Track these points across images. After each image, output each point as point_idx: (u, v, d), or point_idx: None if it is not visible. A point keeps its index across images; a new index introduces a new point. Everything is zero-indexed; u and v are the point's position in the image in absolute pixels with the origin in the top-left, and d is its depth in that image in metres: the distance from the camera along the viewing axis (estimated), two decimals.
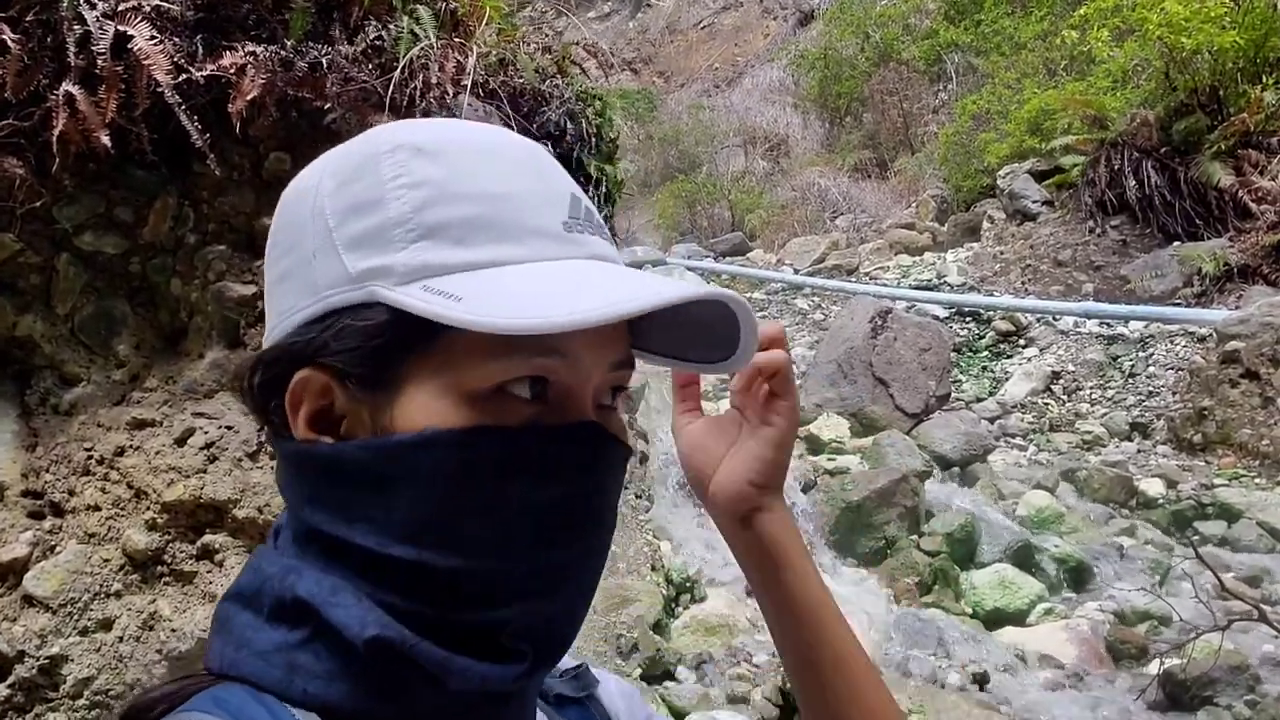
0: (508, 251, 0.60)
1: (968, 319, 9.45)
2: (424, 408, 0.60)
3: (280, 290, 0.66)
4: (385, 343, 0.61)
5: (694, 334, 0.70)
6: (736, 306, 0.65)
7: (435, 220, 0.61)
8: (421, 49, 3.00)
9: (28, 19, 2.56)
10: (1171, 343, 8.05)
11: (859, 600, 4.63)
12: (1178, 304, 8.30)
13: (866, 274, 11.48)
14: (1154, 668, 4.23)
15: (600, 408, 0.66)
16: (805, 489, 5.45)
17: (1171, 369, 7.76)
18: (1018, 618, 4.88)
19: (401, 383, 0.61)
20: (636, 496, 4.75)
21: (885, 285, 10.37)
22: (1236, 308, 7.53)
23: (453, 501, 0.59)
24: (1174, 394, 7.46)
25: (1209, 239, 8.71)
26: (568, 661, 0.81)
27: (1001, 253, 10.76)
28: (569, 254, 0.62)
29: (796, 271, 11.92)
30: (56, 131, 2.54)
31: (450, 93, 3.06)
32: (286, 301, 0.65)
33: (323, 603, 0.59)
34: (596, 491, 0.65)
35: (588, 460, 0.64)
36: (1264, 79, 8.81)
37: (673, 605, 4.30)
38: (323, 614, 0.59)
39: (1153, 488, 6.29)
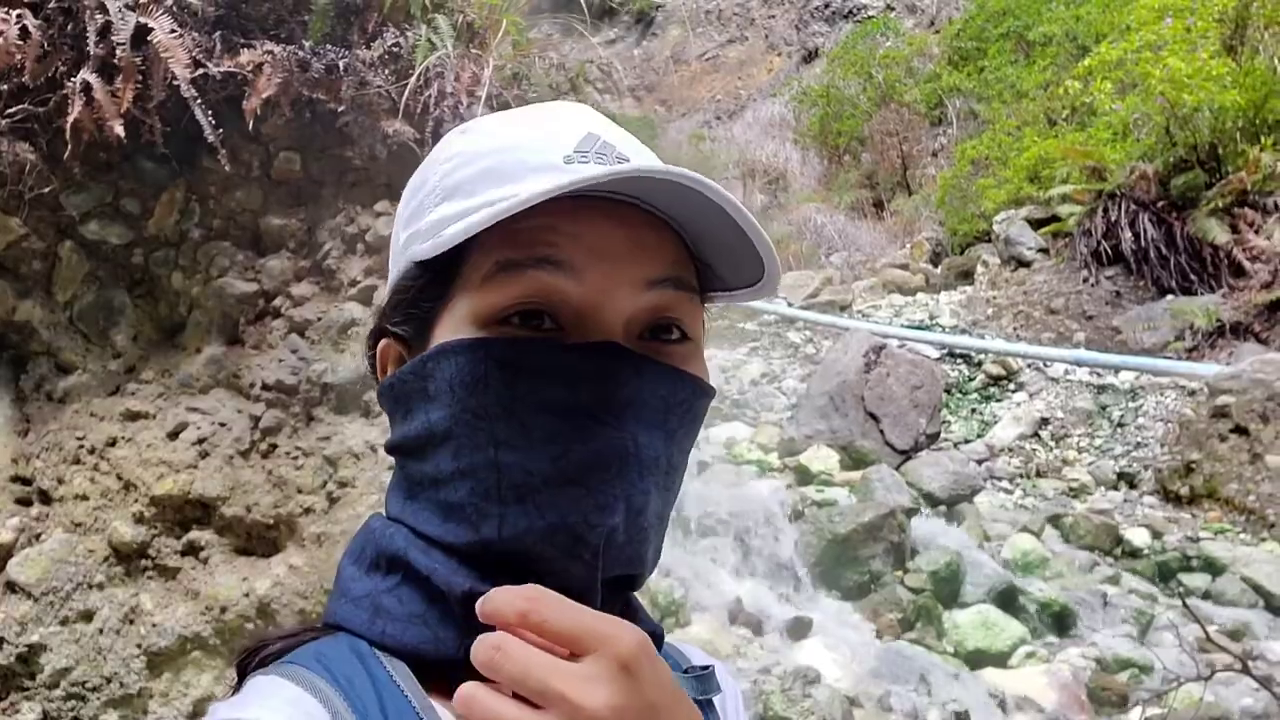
0: (507, 190, 0.64)
1: (958, 361, 9.46)
2: (445, 339, 0.66)
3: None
4: (416, 296, 0.67)
5: (737, 255, 0.70)
6: (713, 193, 0.65)
7: (455, 181, 0.67)
8: (438, 58, 3.01)
9: (50, 5, 2.56)
10: (1161, 395, 8.08)
11: (840, 633, 4.60)
12: (1169, 357, 8.34)
13: (859, 311, 11.50)
14: (1135, 716, 4.21)
15: (651, 340, 0.66)
16: (793, 519, 5.44)
17: (1160, 421, 7.78)
18: (999, 659, 4.86)
19: (435, 328, 0.68)
20: None
21: (878, 323, 10.40)
22: (1228, 363, 7.57)
23: (469, 402, 0.63)
24: (1162, 446, 7.48)
25: (1202, 294, 8.78)
26: (699, 658, 0.80)
27: (994, 297, 10.81)
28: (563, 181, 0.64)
29: (790, 305, 11.94)
30: (71, 119, 2.54)
31: (464, 103, 3.08)
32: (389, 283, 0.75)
33: (414, 558, 0.64)
34: (609, 406, 0.62)
35: (599, 373, 0.62)
36: (1262, 140, 8.92)
37: None
38: (413, 565, 0.64)
39: (1138, 537, 6.29)
